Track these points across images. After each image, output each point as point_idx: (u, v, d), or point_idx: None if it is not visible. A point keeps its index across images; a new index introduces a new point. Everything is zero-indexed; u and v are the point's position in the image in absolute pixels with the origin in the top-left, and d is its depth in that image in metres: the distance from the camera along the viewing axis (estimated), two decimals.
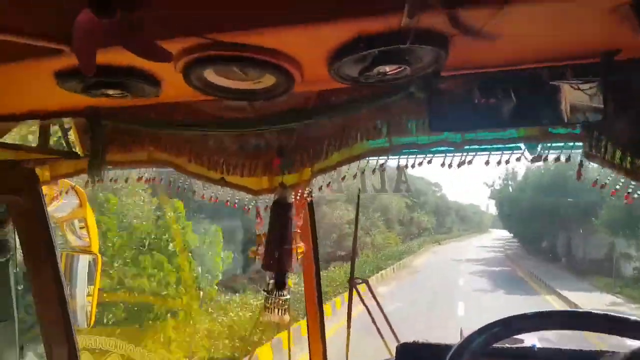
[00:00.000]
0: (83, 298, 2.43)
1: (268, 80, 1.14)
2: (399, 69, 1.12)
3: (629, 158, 1.35)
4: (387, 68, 1.10)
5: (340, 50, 1.03)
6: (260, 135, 1.58)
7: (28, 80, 1.17)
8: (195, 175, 1.66)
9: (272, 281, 1.74)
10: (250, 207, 1.78)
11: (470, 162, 1.58)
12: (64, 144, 1.62)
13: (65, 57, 0.97)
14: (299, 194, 1.76)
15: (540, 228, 28.40)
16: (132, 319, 8.25)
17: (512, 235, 41.98)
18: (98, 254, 2.38)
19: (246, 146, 1.59)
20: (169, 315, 8.59)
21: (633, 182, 1.40)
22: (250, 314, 9.57)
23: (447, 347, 1.12)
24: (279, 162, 1.56)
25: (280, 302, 2.13)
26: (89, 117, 1.47)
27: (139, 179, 1.89)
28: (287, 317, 2.15)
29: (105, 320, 7.63)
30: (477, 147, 1.56)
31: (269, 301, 2.12)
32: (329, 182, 1.69)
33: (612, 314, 1.05)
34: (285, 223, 1.66)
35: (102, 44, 0.90)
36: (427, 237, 40.46)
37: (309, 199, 1.80)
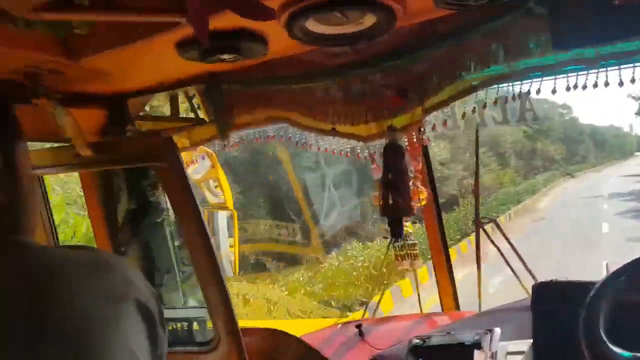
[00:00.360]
0: (226, 249, 2.74)
1: (369, 20, 1.10)
2: None
3: None
4: None
5: None
6: (365, 79, 1.53)
7: (154, 55, 1.29)
8: (308, 128, 1.70)
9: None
10: (364, 154, 1.80)
11: (607, 84, 1.38)
12: (193, 112, 1.80)
13: (182, 28, 1.05)
14: (413, 136, 1.73)
15: None
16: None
17: None
18: (234, 210, 2.64)
19: (352, 92, 1.57)
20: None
21: None
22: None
23: (590, 285, 1.03)
24: (402, 102, 1.48)
25: (411, 248, 2.15)
26: (209, 83, 1.59)
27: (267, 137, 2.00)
28: (419, 262, 2.18)
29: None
30: (615, 61, 1.35)
31: (400, 249, 2.15)
32: (445, 120, 1.61)
33: None
34: (398, 167, 1.63)
35: (213, 10, 0.95)
36: (555, 170, 32.81)
37: (424, 141, 1.75)
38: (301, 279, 8.77)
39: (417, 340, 1.38)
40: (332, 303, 7.57)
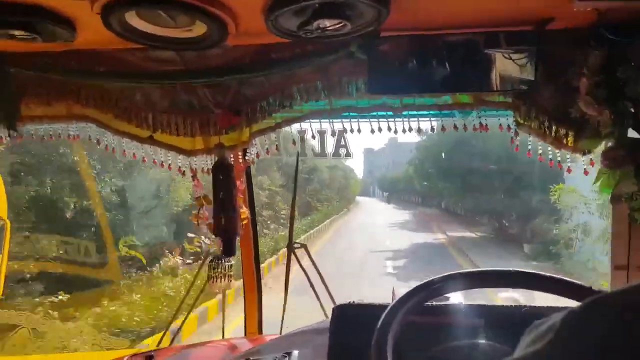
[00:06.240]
0: None
1: (199, 28, 1.05)
2: (339, 25, 1.08)
3: (554, 127, 1.42)
4: (327, 22, 1.06)
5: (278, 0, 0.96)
6: (193, 91, 1.46)
7: None
8: (121, 133, 1.52)
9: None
10: (184, 168, 1.66)
11: (404, 130, 1.58)
12: None
13: None
14: (239, 157, 1.69)
15: None
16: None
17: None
18: (6, 220, 2.15)
19: (177, 102, 1.47)
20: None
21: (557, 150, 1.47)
22: None
23: (383, 307, 1.13)
24: (234, 120, 1.46)
25: (227, 268, 2.06)
26: None
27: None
28: (233, 283, 2.10)
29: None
30: (415, 112, 1.57)
31: (216, 269, 2.04)
32: (267, 148, 1.62)
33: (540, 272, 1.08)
34: (229, 186, 1.60)
35: None
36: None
37: (249, 162, 1.73)
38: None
39: None
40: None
